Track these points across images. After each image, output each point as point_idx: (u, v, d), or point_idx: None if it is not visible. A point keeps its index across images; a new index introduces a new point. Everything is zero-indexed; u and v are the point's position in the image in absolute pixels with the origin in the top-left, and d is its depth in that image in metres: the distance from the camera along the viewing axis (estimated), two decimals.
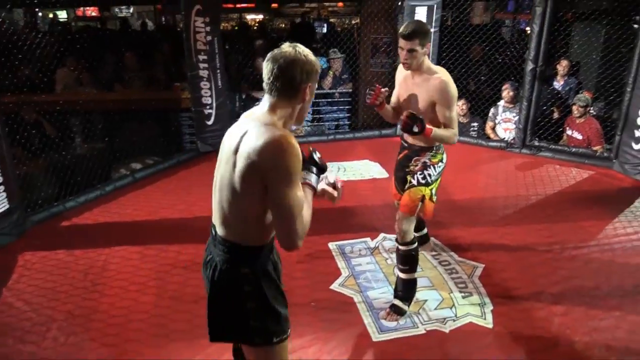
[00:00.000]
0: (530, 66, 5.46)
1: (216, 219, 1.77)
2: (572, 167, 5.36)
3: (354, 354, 2.68)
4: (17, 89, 4.84)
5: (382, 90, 2.79)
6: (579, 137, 5.56)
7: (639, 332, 2.86)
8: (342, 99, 6.64)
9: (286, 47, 1.68)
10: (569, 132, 5.66)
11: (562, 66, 5.88)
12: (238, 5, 13.02)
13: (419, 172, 2.92)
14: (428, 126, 2.68)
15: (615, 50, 5.50)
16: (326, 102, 6.64)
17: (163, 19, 13.48)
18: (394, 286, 3.19)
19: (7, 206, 3.80)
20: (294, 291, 3.18)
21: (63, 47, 5.73)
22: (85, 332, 2.84)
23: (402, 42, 2.68)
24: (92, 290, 3.22)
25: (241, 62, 6.51)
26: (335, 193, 1.93)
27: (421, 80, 2.78)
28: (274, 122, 1.65)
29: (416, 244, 2.99)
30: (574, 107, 5.45)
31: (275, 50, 1.68)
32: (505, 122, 5.97)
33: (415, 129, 2.63)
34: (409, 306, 2.99)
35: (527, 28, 6.56)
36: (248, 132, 1.64)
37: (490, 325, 2.89)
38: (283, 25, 13.47)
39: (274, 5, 13.92)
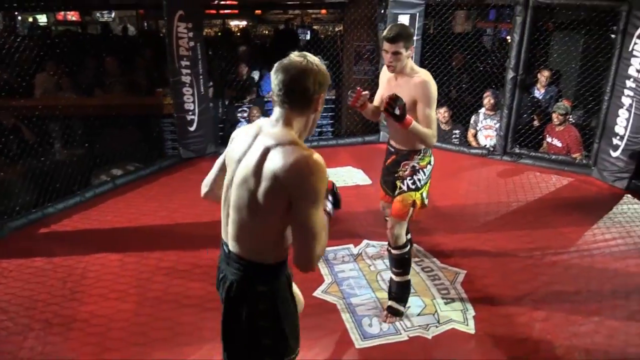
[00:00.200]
0: (510, 74, 5.53)
1: (229, 237, 1.72)
2: (552, 174, 5.43)
3: None
4: None
5: (363, 93, 2.79)
6: (559, 144, 5.64)
7: (617, 336, 2.90)
8: (325, 106, 6.63)
9: (296, 57, 1.63)
10: (548, 139, 5.75)
11: (544, 76, 5.97)
12: (221, 12, 12.99)
13: (408, 178, 2.93)
14: (409, 117, 2.67)
15: (593, 59, 5.61)
16: None
17: (145, 24, 13.40)
18: (376, 294, 3.20)
19: None
20: None
21: (42, 52, 5.66)
22: (64, 341, 2.79)
23: (386, 45, 2.70)
24: (71, 298, 3.17)
25: (224, 68, 6.49)
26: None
27: (404, 82, 2.80)
28: (294, 139, 1.60)
29: (409, 247, 3.01)
30: (554, 115, 5.53)
31: (285, 61, 1.63)
32: (486, 130, 6.03)
33: (397, 111, 2.61)
34: (404, 307, 3.01)
35: (508, 37, 6.65)
36: (271, 151, 1.57)
37: (473, 331, 2.91)
38: (266, 32, 13.48)
39: (258, 11, 13.91)
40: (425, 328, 2.91)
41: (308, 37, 9.13)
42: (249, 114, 6.01)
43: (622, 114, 4.96)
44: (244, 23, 14.70)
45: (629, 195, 4.90)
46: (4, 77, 5.33)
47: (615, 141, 5.05)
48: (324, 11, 13.51)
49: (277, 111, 1.66)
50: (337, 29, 12.13)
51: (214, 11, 12.37)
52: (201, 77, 5.48)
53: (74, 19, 13.30)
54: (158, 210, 4.44)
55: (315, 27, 12.32)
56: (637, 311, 3.16)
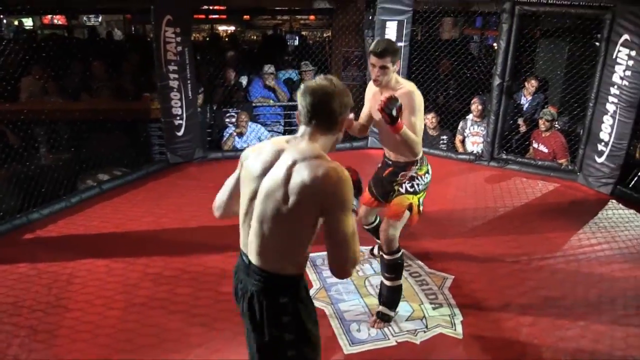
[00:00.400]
0: (497, 81, 5.59)
1: (251, 249, 1.74)
2: (538, 179, 5.49)
3: None
4: None
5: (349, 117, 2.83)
6: (545, 150, 5.70)
7: (603, 341, 2.93)
8: None
9: (322, 80, 1.74)
10: (535, 145, 5.80)
11: (532, 85, 6.03)
12: (209, 17, 12.98)
13: (407, 182, 2.97)
14: (402, 121, 2.68)
15: (578, 66, 5.67)
16: None
17: (133, 28, 13.34)
18: (364, 299, 3.20)
19: None
20: None
21: (28, 55, 5.60)
22: (49, 348, 2.76)
23: (373, 59, 2.73)
24: (57, 305, 3.13)
25: (212, 73, 6.48)
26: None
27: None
28: (320, 153, 1.68)
29: (401, 252, 3.00)
30: (541, 121, 5.59)
31: (312, 83, 1.73)
32: (473, 136, 6.08)
33: (394, 112, 2.61)
34: (394, 312, 3.01)
35: (495, 44, 6.71)
36: (298, 165, 1.63)
37: (460, 336, 2.92)
38: (255, 37, 13.48)
39: (246, 17, 13.92)
40: (414, 333, 2.91)
41: (296, 42, 9.15)
42: (237, 119, 6.00)
43: (607, 120, 5.03)
44: (232, 28, 14.69)
45: (613, 201, 4.96)
46: None
47: (600, 147, 5.11)
48: (312, 17, 13.55)
49: (303, 128, 1.75)
50: (325, 35, 12.18)
51: (202, 16, 12.36)
52: (189, 82, 5.46)
53: (60, 22, 13.20)
54: (145, 215, 4.41)
55: (303, 32, 12.35)
56: (623, 315, 3.19)
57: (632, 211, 4.73)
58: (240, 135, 5.99)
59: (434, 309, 3.15)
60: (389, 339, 2.87)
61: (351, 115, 2.76)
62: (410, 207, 2.94)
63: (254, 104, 6.32)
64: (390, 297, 3.01)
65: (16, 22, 12.44)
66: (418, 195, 2.98)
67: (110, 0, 7.48)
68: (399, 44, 5.83)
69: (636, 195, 4.95)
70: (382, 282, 3.06)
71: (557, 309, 3.21)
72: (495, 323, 3.06)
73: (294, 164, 1.63)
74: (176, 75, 5.36)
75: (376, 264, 3.63)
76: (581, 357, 2.81)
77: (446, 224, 4.38)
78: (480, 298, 3.30)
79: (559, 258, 3.87)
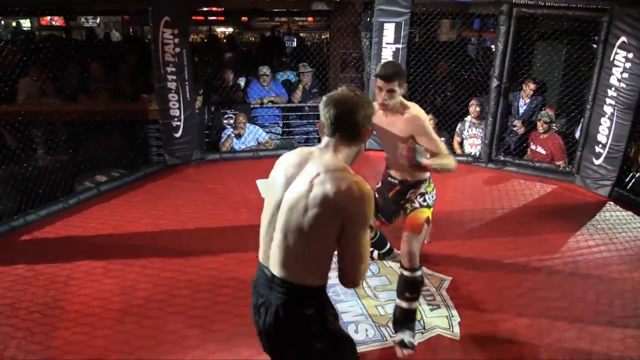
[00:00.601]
0: (495, 83, 5.60)
1: (274, 261, 1.73)
2: (536, 181, 5.49)
3: None
4: None
5: None
6: (543, 152, 5.71)
7: (600, 342, 2.93)
8: (311, 113, 6.67)
9: (345, 91, 1.75)
10: (532, 146, 5.81)
11: (529, 88, 6.04)
12: (207, 18, 12.98)
13: (418, 197, 2.94)
14: (427, 160, 2.63)
15: (575, 69, 5.69)
16: (296, 116, 6.65)
17: (130, 30, 13.33)
18: (362, 301, 3.19)
19: None
20: None
21: (26, 56, 5.60)
22: (46, 350, 2.75)
23: (380, 83, 2.66)
24: (54, 307, 3.12)
25: (210, 75, 6.48)
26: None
27: (396, 119, 2.77)
28: (344, 166, 1.69)
29: (422, 268, 2.90)
30: (539, 123, 5.60)
31: (335, 95, 1.74)
32: (471, 138, 6.08)
33: (421, 160, 2.58)
34: (414, 337, 2.82)
35: (492, 46, 6.72)
36: (321, 177, 1.63)
37: (458, 337, 2.92)
38: (253, 39, 13.49)
39: (244, 18, 13.93)
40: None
41: (294, 44, 9.16)
42: (235, 120, 6.00)
43: (604, 122, 5.03)
44: (230, 30, 14.70)
45: (611, 203, 4.97)
46: None
47: (597, 149, 5.12)
48: (310, 19, 13.55)
49: (326, 140, 1.75)
50: (323, 37, 12.19)
51: (200, 18, 12.36)
52: (187, 83, 5.46)
53: (58, 24, 13.19)
54: (143, 217, 4.41)
55: (301, 34, 12.36)
56: (620, 317, 3.19)
57: (629, 213, 4.74)
58: (239, 136, 5.99)
59: (431, 310, 3.15)
60: (386, 340, 2.86)
61: None
62: (428, 221, 2.88)
63: (252, 106, 6.32)
64: (408, 321, 2.83)
65: (14, 24, 12.42)
66: (431, 209, 2.94)
67: (108, 1, 7.47)
68: (397, 45, 5.85)
69: (633, 197, 4.95)
70: (398, 306, 2.88)
71: (555, 311, 3.21)
72: (492, 324, 3.06)
73: (317, 176, 1.64)
74: (174, 77, 5.35)
75: (375, 267, 3.63)
76: (578, 358, 2.81)
77: (444, 226, 4.38)
78: (478, 299, 3.30)
79: (556, 260, 3.87)
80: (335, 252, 1.71)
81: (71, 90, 6.17)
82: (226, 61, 6.81)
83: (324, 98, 1.74)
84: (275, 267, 1.72)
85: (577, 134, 5.61)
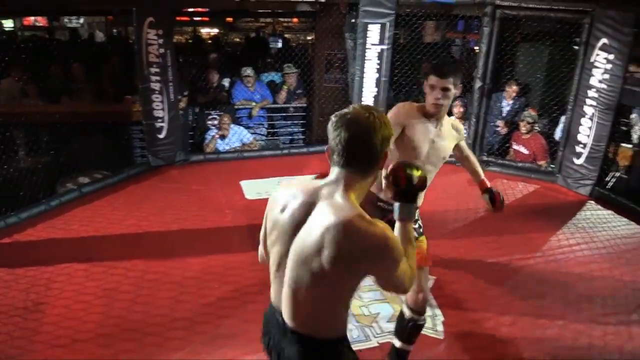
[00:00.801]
0: (478, 84, 5.64)
1: (286, 311, 1.53)
2: (519, 181, 5.55)
3: None
4: None
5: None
6: (525, 152, 5.76)
7: (581, 339, 2.97)
8: (296, 114, 6.67)
9: (359, 110, 1.47)
10: (515, 146, 5.87)
11: (513, 90, 6.09)
12: (192, 19, 12.91)
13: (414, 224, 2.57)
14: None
15: (557, 70, 5.75)
16: (280, 117, 6.65)
17: (114, 30, 13.22)
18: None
19: None
20: (246, 306, 3.15)
21: (8, 57, 5.52)
22: (26, 354, 2.72)
23: (434, 80, 2.36)
24: (34, 310, 3.08)
25: (195, 76, 6.46)
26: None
27: (444, 129, 2.51)
28: (359, 212, 1.41)
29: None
30: (522, 124, 5.66)
31: (348, 115, 1.46)
32: None
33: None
34: None
35: (476, 47, 6.77)
36: (335, 230, 1.38)
37: (442, 337, 2.94)
38: (238, 40, 13.44)
39: (229, 19, 13.87)
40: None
41: (279, 45, 9.15)
42: (220, 121, 5.98)
43: (585, 122, 5.11)
44: (215, 31, 14.64)
45: (592, 202, 5.04)
46: None
47: (578, 149, 5.19)
48: (295, 20, 13.55)
49: (336, 172, 1.48)
50: (308, 38, 12.19)
51: (185, 18, 12.29)
52: (171, 84, 5.43)
53: (41, 24, 13.03)
54: (126, 218, 4.37)
55: (286, 35, 12.35)
56: (601, 314, 3.24)
57: (610, 212, 4.81)
58: (223, 137, 5.97)
59: None
60: (370, 340, 2.88)
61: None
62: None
63: (236, 107, 6.30)
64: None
65: None
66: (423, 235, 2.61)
67: (91, 1, 7.40)
68: (381, 46, 5.86)
69: (614, 196, 5.03)
70: (393, 346, 2.63)
71: (537, 309, 3.25)
72: (476, 323, 3.09)
73: (329, 227, 1.39)
74: (158, 78, 5.32)
75: None
76: (560, 355, 2.84)
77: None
78: (462, 299, 3.33)
79: (538, 258, 3.91)
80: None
81: (54, 91, 6.11)
82: (211, 62, 6.78)
83: (333, 118, 1.48)
84: (287, 317, 1.53)
85: (557, 135, 5.68)
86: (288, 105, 6.57)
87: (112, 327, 2.95)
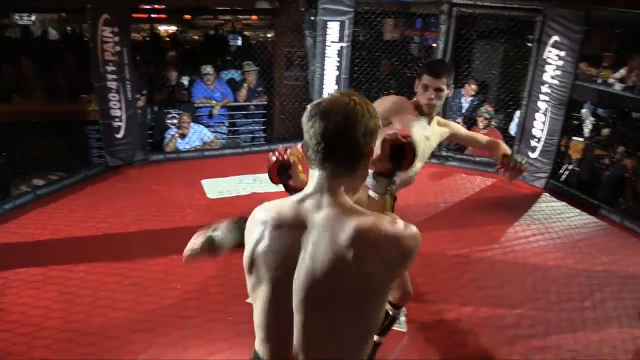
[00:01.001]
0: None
1: (298, 349, 1.24)
2: (477, 175, 5.68)
3: None
4: None
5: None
6: None
7: (538, 326, 3.08)
8: (257, 112, 6.64)
9: (338, 97, 1.23)
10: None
11: (471, 88, 6.22)
12: (150, 16, 12.66)
13: None
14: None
15: (512, 66, 5.92)
16: (241, 115, 6.61)
17: (68, 28, 12.84)
18: None
19: None
20: (210, 306, 3.13)
21: None
22: None
23: (427, 79, 2.34)
24: None
25: (153, 74, 6.34)
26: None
27: (436, 127, 2.49)
28: (365, 212, 1.24)
29: None
30: (479, 120, 5.79)
31: (323, 102, 1.23)
32: None
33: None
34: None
35: (434, 44, 6.89)
36: (352, 241, 1.16)
37: (405, 329, 2.99)
38: (197, 37, 13.26)
39: (187, 16, 13.66)
40: None
41: (239, 42, 9.08)
42: (180, 120, 5.90)
43: (539, 117, 5.27)
44: (173, 28, 14.40)
45: (546, 194, 5.21)
46: None
47: (533, 143, 5.35)
48: (255, 17, 13.46)
49: (315, 177, 1.25)
50: (268, 35, 12.13)
51: (142, 15, 12.04)
52: (128, 82, 5.32)
53: None
54: (84, 220, 4.26)
55: (246, 33, 12.26)
56: (555, 302, 3.36)
57: (563, 203, 4.98)
58: (183, 136, 5.89)
59: None
60: None
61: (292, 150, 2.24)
62: None
63: (196, 105, 6.23)
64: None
65: None
66: None
67: None
68: (341, 44, 5.90)
69: (567, 188, 5.22)
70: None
71: (496, 299, 3.35)
72: (437, 315, 3.16)
73: (346, 244, 1.16)
74: (115, 76, 5.20)
75: None
76: (518, 342, 2.94)
77: None
78: (424, 291, 3.39)
79: (496, 250, 4.02)
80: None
81: (5, 90, 5.90)
82: (169, 60, 6.68)
83: (308, 107, 1.25)
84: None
85: (512, 129, 5.85)
86: (249, 103, 6.53)
87: (72, 332, 2.88)
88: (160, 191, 4.90)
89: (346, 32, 5.89)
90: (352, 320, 1.21)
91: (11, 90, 5.87)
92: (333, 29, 5.92)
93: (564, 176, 5.56)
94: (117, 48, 5.14)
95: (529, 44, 5.56)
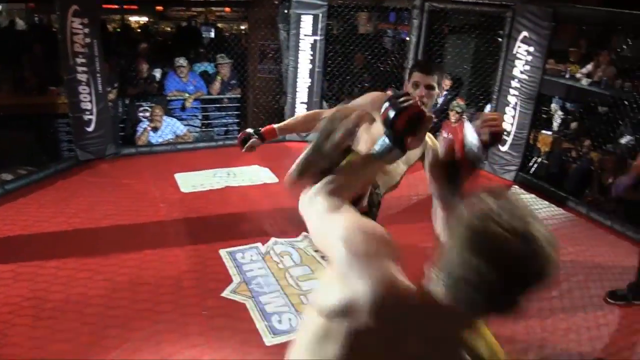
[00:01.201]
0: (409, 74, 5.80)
1: None
2: None
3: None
4: None
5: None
6: None
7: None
8: (230, 105, 6.61)
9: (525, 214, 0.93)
10: (444, 134, 6.08)
11: (445, 84, 6.30)
12: (120, 7, 12.43)
13: None
14: None
15: (483, 61, 6.01)
16: (215, 108, 6.57)
17: (36, 18, 12.53)
18: (285, 291, 3.24)
19: None
20: (184, 300, 3.13)
21: None
22: None
23: (418, 76, 2.24)
24: None
25: (124, 66, 6.25)
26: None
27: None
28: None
29: None
30: (451, 113, 5.87)
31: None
32: None
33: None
34: None
35: (408, 38, 6.95)
36: None
37: None
38: (169, 29, 13.09)
39: (159, 7, 13.46)
40: None
41: (212, 35, 9.00)
42: (152, 113, 5.83)
43: (509, 111, 5.37)
44: (144, 19, 14.18)
45: (516, 186, 5.32)
46: None
47: (503, 137, 5.45)
48: (228, 9, 13.34)
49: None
50: (242, 27, 12.04)
51: (112, 6, 11.82)
52: (99, 75, 5.23)
53: None
54: (54, 216, 4.20)
55: (219, 25, 12.14)
56: None
57: (532, 196, 5.10)
58: (155, 129, 5.83)
59: None
60: None
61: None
62: None
63: (168, 98, 6.17)
64: None
65: None
66: None
67: None
68: (314, 37, 5.91)
69: (535, 180, 5.34)
70: None
71: None
72: None
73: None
74: (85, 69, 5.10)
75: (296, 256, 3.69)
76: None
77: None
78: None
79: None
80: None
81: None
82: (140, 52, 6.59)
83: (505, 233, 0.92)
84: None
85: None
86: (222, 96, 6.50)
87: (44, 329, 2.85)
88: (133, 185, 4.85)
89: (320, 25, 5.90)
90: None
91: None
92: (307, 23, 5.92)
93: (533, 169, 5.68)
94: (87, 40, 5.04)
95: (499, 39, 5.65)
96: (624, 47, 5.86)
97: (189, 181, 4.95)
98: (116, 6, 11.95)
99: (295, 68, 6.04)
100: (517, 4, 5.16)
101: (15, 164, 5.00)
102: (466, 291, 0.94)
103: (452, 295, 0.97)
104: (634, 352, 3.13)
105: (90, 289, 3.22)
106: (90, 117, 5.26)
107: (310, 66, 6.02)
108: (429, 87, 2.22)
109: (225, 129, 6.65)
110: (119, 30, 10.60)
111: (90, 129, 5.30)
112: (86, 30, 5.01)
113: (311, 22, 5.90)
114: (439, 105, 6.39)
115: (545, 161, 5.87)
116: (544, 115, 5.88)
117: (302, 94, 6.16)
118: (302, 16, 5.87)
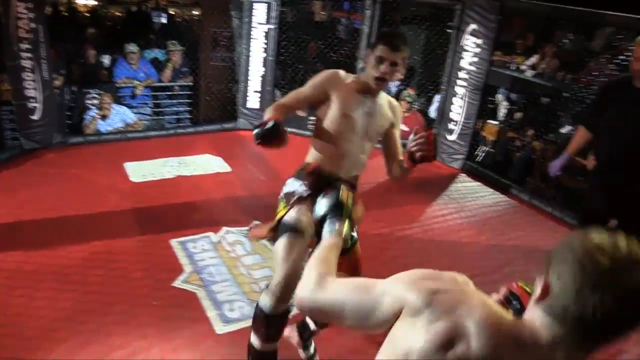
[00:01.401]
0: (361, 64, 5.88)
1: None
2: None
3: (198, 349, 2.71)
4: None
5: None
6: (406, 129, 6.11)
7: None
8: (182, 92, 6.52)
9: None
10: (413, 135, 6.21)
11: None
12: None
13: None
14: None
15: (433, 52, 6.15)
16: (166, 96, 6.47)
17: None
18: (237, 279, 3.27)
19: None
20: (134, 291, 3.11)
21: None
22: None
23: (385, 51, 2.11)
24: None
25: (71, 52, 6.06)
26: None
27: (376, 104, 2.27)
28: None
29: None
30: (402, 103, 5.98)
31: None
32: None
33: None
34: None
35: (361, 27, 7.01)
36: None
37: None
38: (119, 14, 12.71)
39: None
40: None
41: (164, 20, 8.81)
42: (100, 101, 5.70)
43: (457, 102, 5.54)
44: (92, 2, 13.71)
45: (463, 175, 5.51)
46: None
47: (450, 126, 5.63)
48: None
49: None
50: (195, 13, 11.82)
51: None
52: (44, 61, 5.06)
53: None
54: None
55: (171, 10, 11.88)
56: (470, 276, 3.55)
57: (478, 183, 5.30)
58: (104, 118, 5.71)
59: None
60: None
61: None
62: None
63: (117, 85, 6.04)
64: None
65: None
66: None
67: None
68: (268, 26, 5.90)
69: (481, 169, 5.54)
70: (309, 328, 2.59)
71: None
72: None
73: None
74: (29, 55, 4.93)
75: (248, 245, 3.71)
76: None
77: None
78: (345, 271, 3.52)
79: (415, 228, 4.24)
80: None
81: None
82: (88, 37, 6.40)
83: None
84: None
85: (432, 113, 6.11)
86: (173, 84, 6.41)
87: None
88: (81, 175, 4.74)
89: (273, 13, 5.88)
90: None
91: None
92: (260, 11, 5.90)
93: (479, 157, 5.88)
94: (32, 25, 4.87)
95: (449, 31, 5.79)
96: (565, 40, 6.11)
97: (139, 170, 4.88)
98: None
99: (248, 56, 6.02)
100: None
101: None
102: (584, 326, 0.94)
103: (563, 331, 0.97)
104: None
105: (37, 282, 3.15)
106: (35, 104, 5.10)
107: (264, 55, 6.01)
108: (394, 64, 2.12)
109: (177, 117, 6.57)
110: (65, 14, 10.22)
111: (35, 117, 5.14)
112: (31, 15, 4.84)
113: (265, 10, 5.88)
114: (392, 94, 6.50)
115: (492, 150, 6.09)
116: (490, 106, 6.08)
117: (255, 83, 6.14)
118: (254, 4, 5.85)
